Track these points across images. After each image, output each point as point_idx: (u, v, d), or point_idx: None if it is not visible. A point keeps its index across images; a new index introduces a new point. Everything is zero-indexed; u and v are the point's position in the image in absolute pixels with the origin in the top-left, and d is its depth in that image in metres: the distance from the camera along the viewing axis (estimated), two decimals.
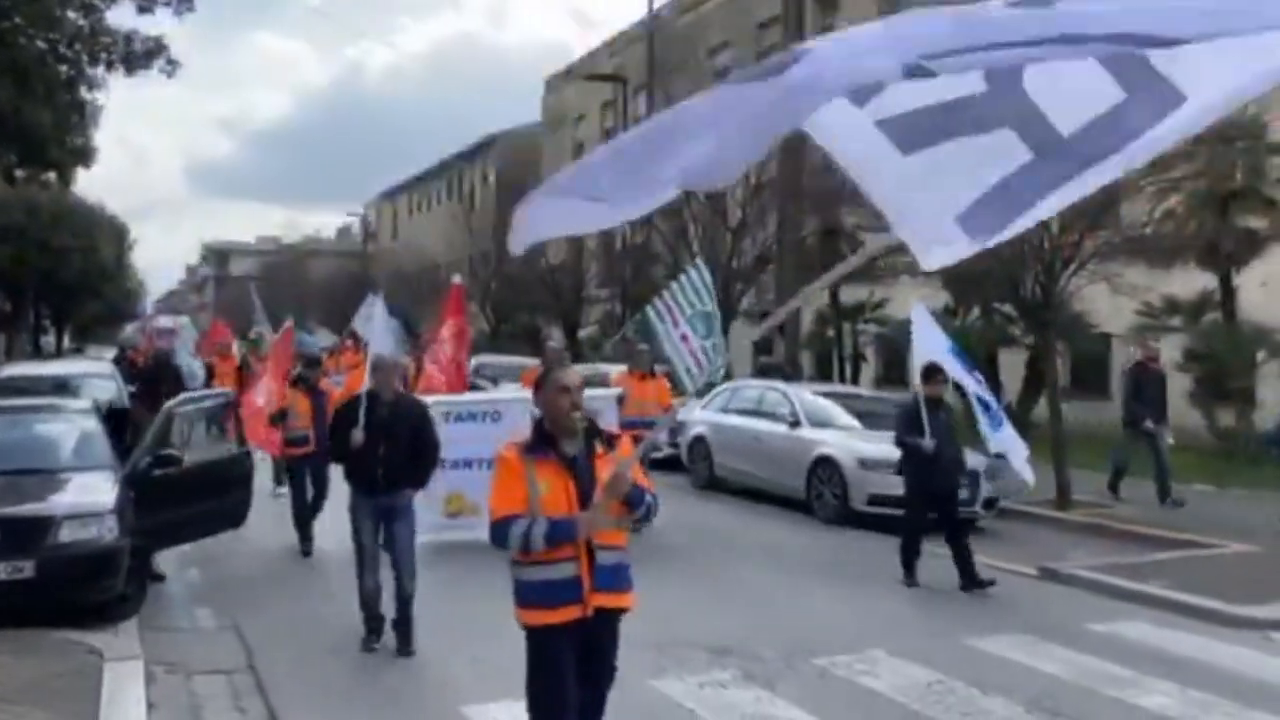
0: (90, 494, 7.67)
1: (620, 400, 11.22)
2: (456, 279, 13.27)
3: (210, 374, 21.44)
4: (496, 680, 6.37)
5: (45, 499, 7.67)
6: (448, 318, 12.38)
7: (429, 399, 10.17)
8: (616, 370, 15.43)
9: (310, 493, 10.39)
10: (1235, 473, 14.56)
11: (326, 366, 15.16)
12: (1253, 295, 16.55)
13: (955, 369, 10.04)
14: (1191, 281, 16.93)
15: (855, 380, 22.39)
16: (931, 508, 9.35)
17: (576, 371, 4.52)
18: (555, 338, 31.84)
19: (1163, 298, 17.04)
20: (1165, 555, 10.26)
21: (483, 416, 10.54)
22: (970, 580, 8.96)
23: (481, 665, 6.69)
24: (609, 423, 10.80)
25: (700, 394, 14.39)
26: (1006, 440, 9.97)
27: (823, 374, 23.41)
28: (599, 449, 4.27)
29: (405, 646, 6.94)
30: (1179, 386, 16.35)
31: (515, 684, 6.25)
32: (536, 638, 4.23)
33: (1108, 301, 16.15)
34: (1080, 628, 7.80)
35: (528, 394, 11.36)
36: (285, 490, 11.61)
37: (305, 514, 10.27)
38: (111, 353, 32.76)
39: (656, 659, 6.72)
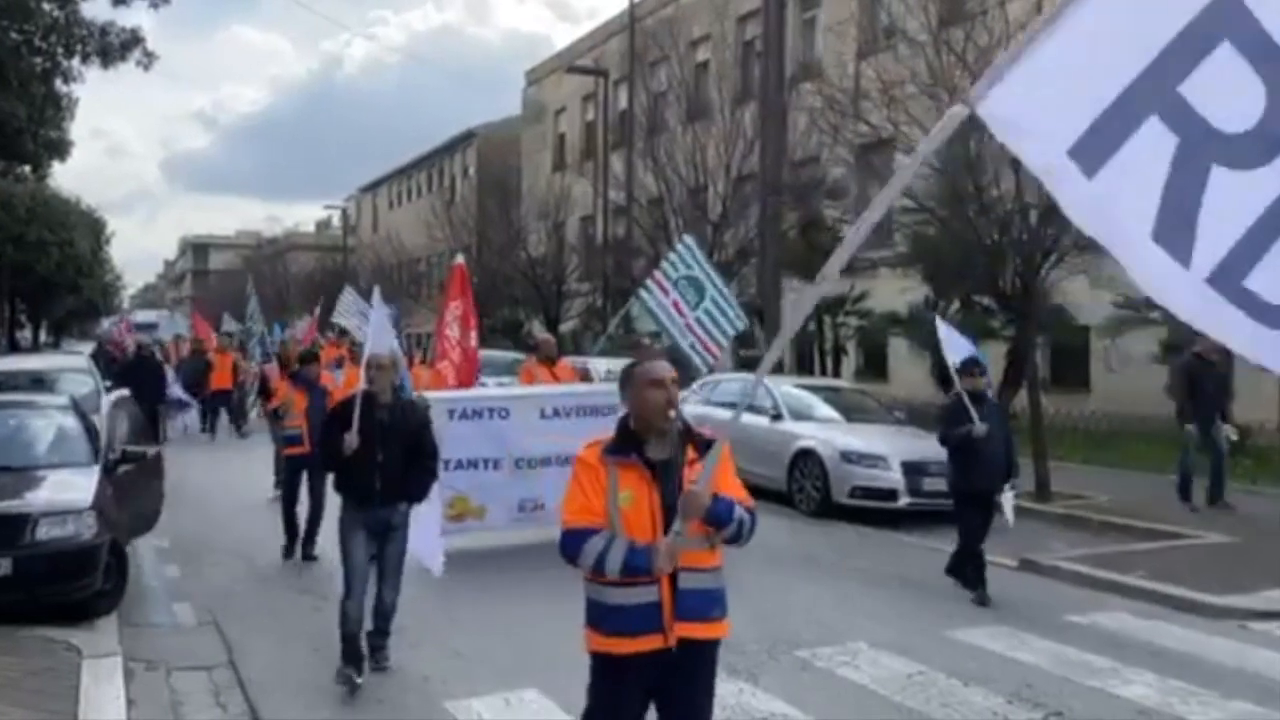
0: (68, 491, 7.61)
1: None
2: (460, 259, 12.42)
3: (208, 370, 21.32)
4: (479, 675, 6.37)
5: (22, 496, 7.60)
6: (451, 300, 11.51)
7: (431, 395, 9.72)
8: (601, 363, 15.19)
9: (306, 502, 9.70)
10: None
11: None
12: None
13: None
14: None
15: (836, 373, 22.44)
16: (979, 508, 8.60)
17: (668, 364, 3.80)
18: (538, 329, 31.80)
19: (1141, 290, 17.13)
20: (1144, 546, 10.34)
21: (489, 414, 9.92)
22: (979, 584, 8.43)
23: (464, 660, 6.68)
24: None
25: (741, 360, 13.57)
26: None
27: (804, 367, 23.45)
28: (690, 454, 3.66)
29: (381, 661, 6.47)
30: (1159, 378, 16.45)
31: (497, 678, 6.27)
32: (603, 666, 3.70)
33: (1087, 294, 16.23)
34: (1060, 619, 7.85)
35: (539, 390, 11.00)
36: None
37: (293, 516, 9.77)
38: (89, 347, 32.57)
39: None
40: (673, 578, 3.56)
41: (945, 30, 14.30)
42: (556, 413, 10.01)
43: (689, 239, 12.85)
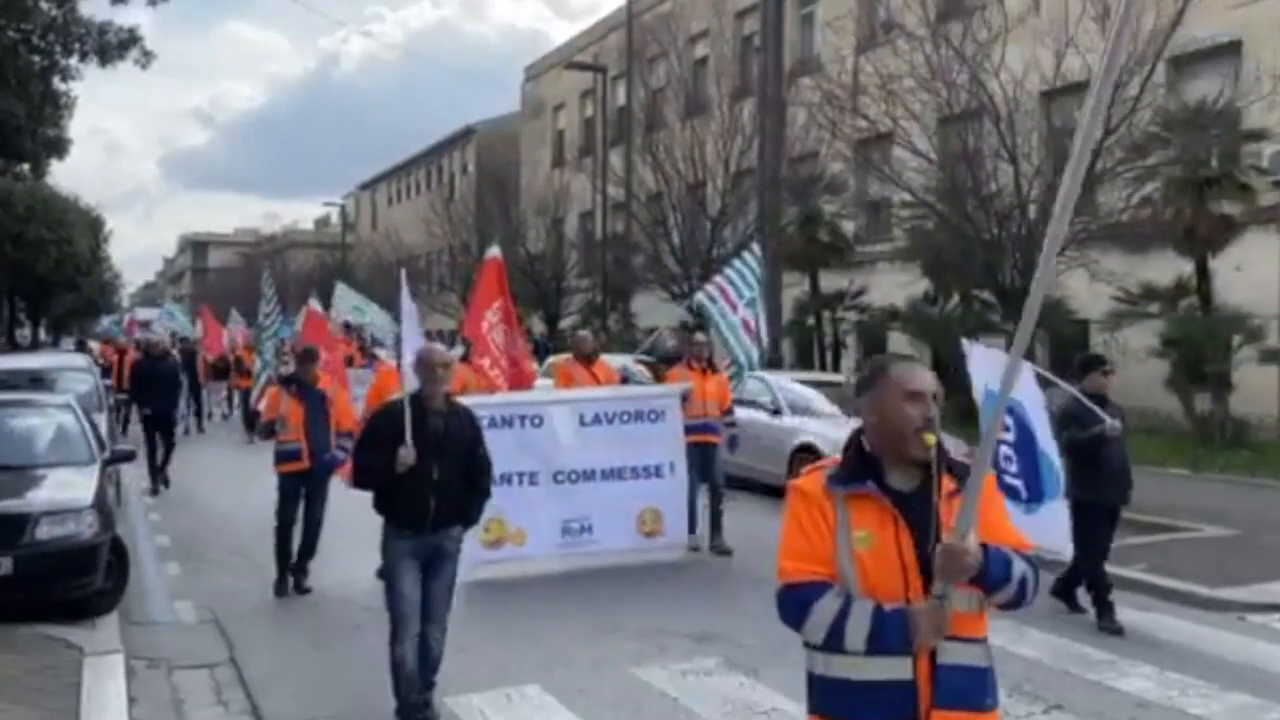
0: (69, 490, 7.62)
1: (684, 398, 9.53)
2: (495, 251, 10.98)
3: (227, 370, 21.21)
4: (480, 671, 6.38)
5: (23, 495, 7.60)
6: (491, 301, 10.06)
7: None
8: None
9: (300, 523, 8.53)
10: (1211, 457, 14.69)
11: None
12: (1229, 280, 16.66)
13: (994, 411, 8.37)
14: (1168, 267, 17.04)
15: (836, 368, 22.46)
16: (1107, 523, 7.74)
17: (929, 372, 2.84)
18: (536, 327, 31.83)
19: (1140, 283, 17.15)
20: (1142, 539, 10.34)
21: (521, 421, 8.80)
22: (1107, 611, 7.54)
23: (465, 656, 6.68)
24: (674, 425, 9.32)
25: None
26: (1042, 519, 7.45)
27: (803, 362, 23.47)
28: (947, 484, 2.70)
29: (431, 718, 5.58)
30: (1156, 372, 16.46)
31: (499, 674, 6.28)
32: None
33: (1086, 287, 16.24)
34: (1059, 612, 7.85)
35: (577, 393, 9.80)
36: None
37: (288, 544, 8.52)
38: (90, 346, 32.54)
39: (639, 647, 6.73)
40: (932, 650, 2.65)
41: (943, 25, 14.31)
42: (599, 419, 9.03)
43: (756, 249, 11.73)
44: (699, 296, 11.76)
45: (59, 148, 26.34)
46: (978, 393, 7.74)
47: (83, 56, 22.14)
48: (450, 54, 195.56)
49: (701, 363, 10.32)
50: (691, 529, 9.71)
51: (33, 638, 6.73)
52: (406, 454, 5.36)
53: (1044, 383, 7.71)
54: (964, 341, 8.07)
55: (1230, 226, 15.91)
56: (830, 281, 22.80)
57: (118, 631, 7.14)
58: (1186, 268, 16.88)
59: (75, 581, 7.22)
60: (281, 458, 8.58)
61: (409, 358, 6.16)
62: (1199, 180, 15.53)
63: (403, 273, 7.66)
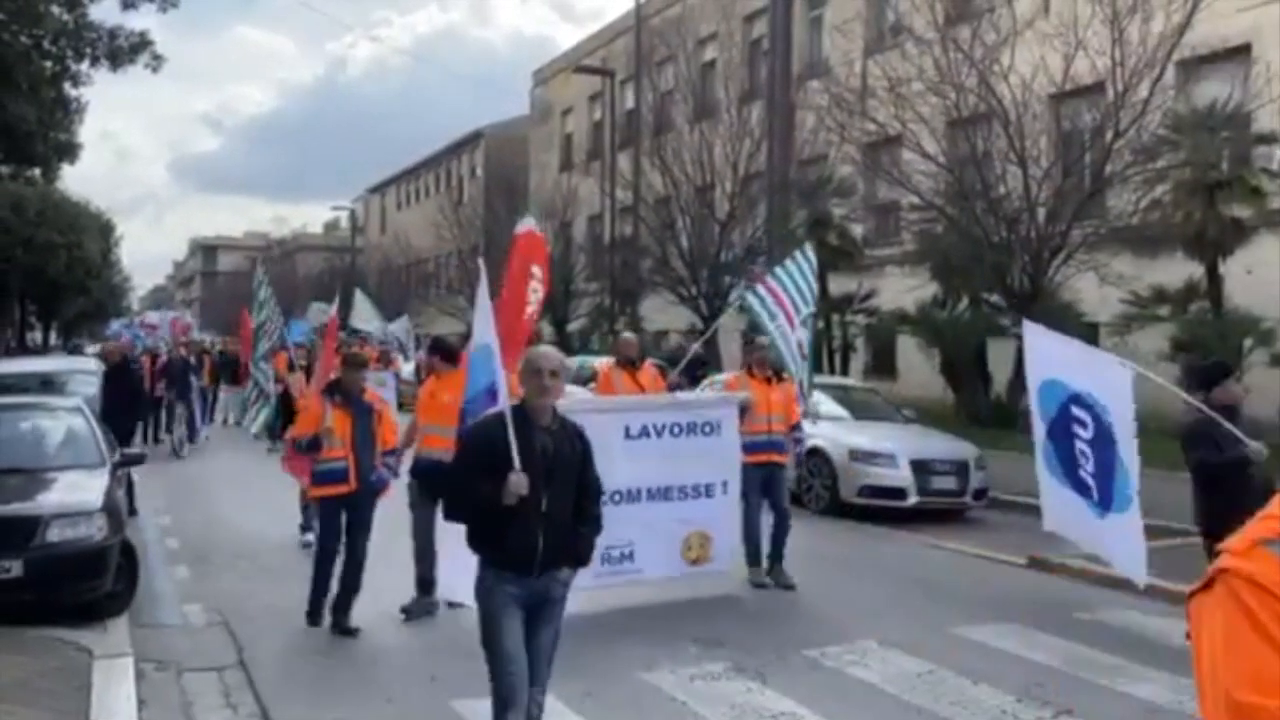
0: (78, 493, 7.64)
1: (743, 410, 8.48)
2: (530, 223, 9.24)
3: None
4: (487, 675, 6.38)
5: (33, 498, 7.63)
6: (526, 277, 8.38)
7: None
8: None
9: (342, 554, 7.42)
10: None
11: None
12: (1239, 283, 16.60)
13: (1057, 405, 7.32)
14: (1178, 270, 16.98)
15: (845, 371, 22.43)
16: None
17: None
18: (545, 330, 31.82)
19: (1149, 287, 17.10)
20: (1153, 544, 10.23)
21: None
22: None
23: (472, 660, 6.65)
24: (731, 439, 8.28)
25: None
26: (1112, 531, 7.08)
27: (812, 365, 23.42)
28: None
29: None
30: (1166, 375, 16.39)
31: None
32: None
33: (1095, 291, 16.19)
34: (1069, 616, 7.83)
35: (621, 402, 8.55)
36: (311, 539, 9.14)
37: (328, 575, 7.46)
38: (95, 348, 32.58)
39: (647, 651, 6.73)
40: None
41: (952, 28, 14.29)
42: (647, 431, 7.96)
43: (809, 253, 10.59)
44: (748, 297, 10.49)
45: (70, 152, 26.46)
46: (1032, 381, 7.32)
47: (94, 61, 22.25)
48: (457, 58, 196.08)
49: (764, 370, 9.05)
50: (755, 560, 8.72)
51: (43, 640, 6.75)
52: (519, 482, 4.34)
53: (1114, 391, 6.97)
54: (1025, 322, 7.87)
55: (1240, 229, 15.85)
56: (839, 285, 22.77)
57: (127, 634, 7.16)
58: (1197, 271, 16.82)
59: (85, 584, 7.23)
60: (323, 479, 7.40)
61: (490, 343, 5.49)
62: (1209, 183, 15.47)
63: (480, 263, 6.32)
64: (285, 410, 11.51)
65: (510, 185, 36.96)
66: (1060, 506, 7.81)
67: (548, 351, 4.78)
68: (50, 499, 7.60)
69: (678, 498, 8.11)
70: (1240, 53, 17.66)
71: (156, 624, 7.71)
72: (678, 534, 8.11)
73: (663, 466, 8.01)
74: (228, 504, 12.99)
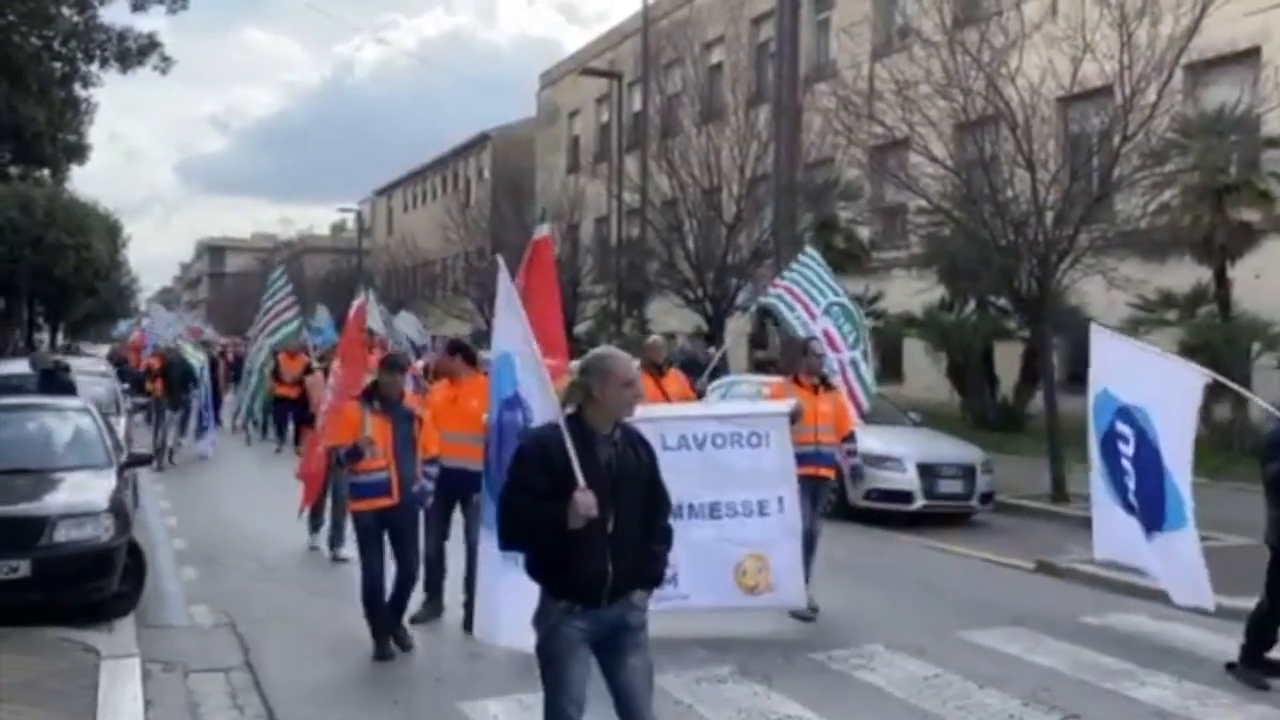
0: (85, 493, 7.66)
1: (793, 418, 7.75)
2: (546, 229, 9.00)
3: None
4: (494, 677, 6.38)
5: (40, 499, 7.65)
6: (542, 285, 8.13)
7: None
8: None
9: (393, 570, 6.94)
10: (1230, 465, 14.57)
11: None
12: (1247, 288, 16.56)
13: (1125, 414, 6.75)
14: (1186, 274, 16.95)
15: None
16: None
17: None
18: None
19: (1158, 291, 17.07)
20: None
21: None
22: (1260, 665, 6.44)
23: (479, 661, 6.68)
24: (782, 451, 7.46)
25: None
26: (1163, 553, 6.61)
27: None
28: None
29: None
30: None
31: (511, 680, 6.28)
32: None
33: (1103, 295, 16.16)
34: (1077, 621, 7.82)
35: (654, 412, 7.21)
36: (347, 553, 8.89)
37: (381, 603, 6.86)
38: (104, 350, 32.63)
39: (654, 654, 6.71)
40: None
41: (960, 31, 14.26)
42: (686, 442, 7.25)
43: (815, 254, 10.38)
44: (767, 299, 10.19)
45: (79, 153, 26.54)
46: (1091, 392, 6.85)
47: (103, 63, 22.32)
48: (464, 61, 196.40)
49: (813, 377, 8.38)
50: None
51: (50, 640, 6.77)
52: (585, 502, 3.82)
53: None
54: (1092, 325, 7.13)
55: (1249, 233, 15.82)
56: (846, 288, 22.76)
57: (134, 635, 7.17)
58: (1205, 275, 16.79)
59: (92, 584, 7.25)
60: (362, 491, 6.83)
61: (511, 351, 4.99)
62: (1217, 187, 15.45)
63: (499, 261, 5.68)
64: (302, 413, 11.25)
65: (517, 187, 36.98)
66: (1112, 530, 7.17)
67: (628, 358, 4.24)
68: (57, 499, 7.61)
69: (726, 515, 7.29)
70: (1249, 56, 17.61)
71: (163, 625, 7.72)
72: (730, 557, 7.26)
73: (707, 481, 7.20)
74: (235, 505, 13.02)
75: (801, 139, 20.89)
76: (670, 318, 27.01)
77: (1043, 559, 9.75)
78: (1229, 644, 7.24)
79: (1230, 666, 6.52)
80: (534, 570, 4.10)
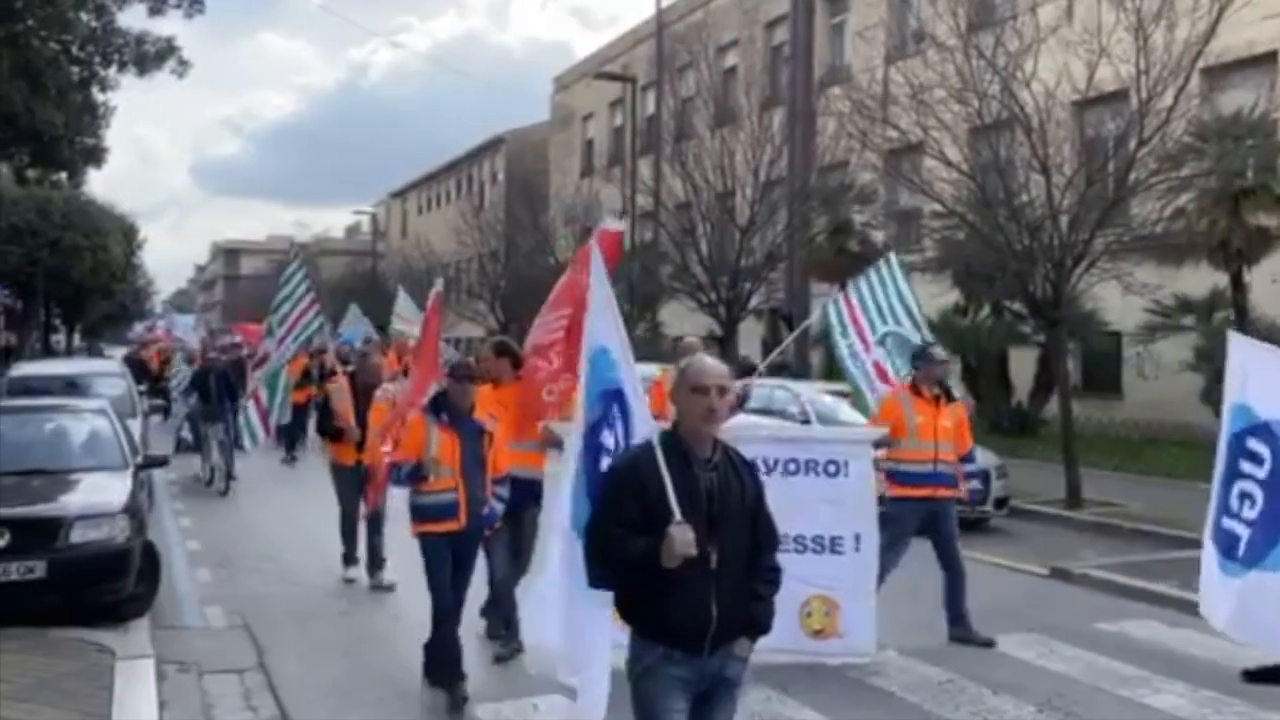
0: (102, 494, 7.71)
1: (878, 446, 7.15)
2: (611, 224, 8.64)
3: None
4: (507, 680, 6.39)
5: (57, 500, 7.71)
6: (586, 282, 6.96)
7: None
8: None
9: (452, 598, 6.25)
10: None
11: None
12: (1264, 292, 16.46)
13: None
14: (1202, 279, 16.86)
15: None
16: None
17: None
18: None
19: (1173, 296, 16.98)
20: (1176, 554, 10.21)
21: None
22: None
23: (494, 664, 6.69)
24: (863, 484, 6.84)
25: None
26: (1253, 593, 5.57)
27: (832, 372, 23.39)
28: None
29: None
30: (1191, 385, 16.28)
31: (525, 684, 6.27)
32: None
33: (1118, 300, 16.09)
34: (1091, 627, 7.78)
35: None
36: (391, 579, 8.66)
37: (453, 635, 6.18)
38: (121, 351, 32.76)
39: None
40: None
41: (975, 35, 14.23)
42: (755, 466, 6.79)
43: (894, 263, 9.22)
44: (828, 306, 9.23)
45: (96, 157, 26.68)
46: (1229, 399, 5.87)
47: (121, 67, 22.43)
48: (477, 64, 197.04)
49: (932, 388, 7.57)
50: (958, 621, 7.43)
51: (66, 641, 6.81)
52: (683, 539, 3.33)
53: None
54: (1230, 335, 6.03)
55: (1266, 238, 15.71)
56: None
57: (149, 636, 7.21)
58: (1221, 280, 16.69)
59: (108, 585, 7.29)
60: (427, 514, 6.15)
61: (609, 346, 4.21)
62: (1234, 191, 15.36)
63: (594, 245, 5.12)
64: (323, 418, 9.86)
65: (531, 191, 37.03)
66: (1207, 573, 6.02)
67: (711, 363, 3.66)
68: (74, 500, 7.66)
69: (794, 549, 6.44)
70: (1266, 60, 17.53)
71: (178, 626, 7.77)
72: (795, 595, 6.42)
73: (775, 509, 6.24)
74: (249, 507, 13.06)
75: (816, 143, 20.89)
76: (683, 321, 27.00)
77: (1057, 565, 9.71)
78: (1244, 651, 7.20)
79: (1246, 674, 6.48)
80: (626, 611, 3.58)
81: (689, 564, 3.36)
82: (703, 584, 3.43)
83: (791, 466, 6.71)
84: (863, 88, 18.22)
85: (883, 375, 8.60)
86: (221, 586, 8.94)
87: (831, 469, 6.76)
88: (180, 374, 17.93)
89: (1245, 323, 16.13)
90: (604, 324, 4.41)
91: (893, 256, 9.45)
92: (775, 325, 24.75)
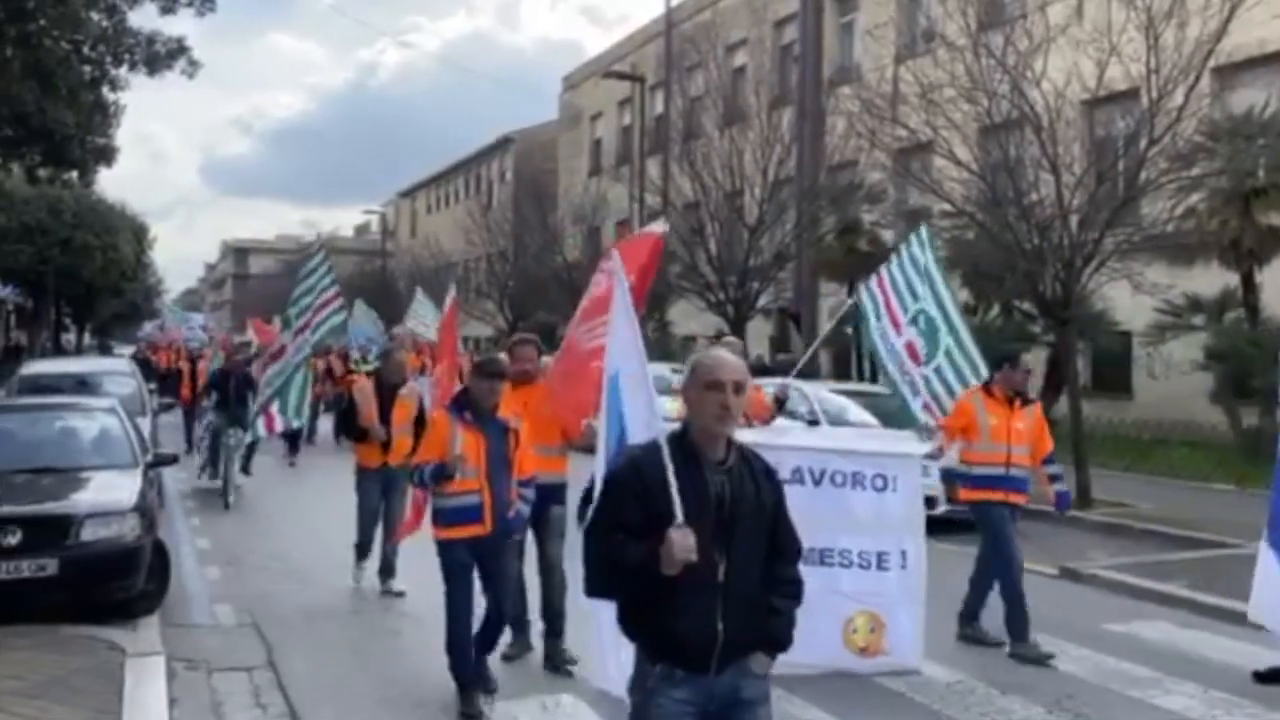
0: (112, 492, 7.74)
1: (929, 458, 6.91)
2: (659, 226, 7.61)
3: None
4: (516, 680, 6.39)
5: (68, 498, 7.75)
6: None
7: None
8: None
9: (482, 607, 5.98)
10: (1257, 472, 14.43)
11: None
12: (1275, 293, 16.40)
13: None
14: (1213, 279, 16.81)
15: (874, 378, 22.31)
16: None
17: None
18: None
19: (1184, 295, 16.93)
20: (1186, 555, 10.21)
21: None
22: None
23: (502, 664, 6.70)
24: (912, 499, 6.70)
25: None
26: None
27: (840, 372, 23.35)
28: None
29: None
30: (1201, 385, 16.23)
31: (534, 683, 6.29)
32: None
33: (1129, 299, 16.05)
34: (1100, 628, 7.76)
35: (759, 437, 6.30)
36: (400, 587, 8.47)
37: (466, 643, 5.92)
38: (129, 350, 32.85)
39: None
40: None
41: (984, 34, 14.20)
42: (800, 476, 6.43)
43: (926, 233, 8.79)
44: (860, 293, 8.64)
45: (107, 156, 26.75)
46: None
47: (132, 66, 22.49)
48: (487, 64, 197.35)
49: (1008, 389, 7.37)
50: (972, 619, 7.30)
51: (76, 638, 6.83)
52: (682, 542, 3.07)
53: None
54: None
55: (1277, 238, 15.66)
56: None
57: (159, 633, 7.24)
58: (1232, 280, 16.65)
59: (118, 583, 7.32)
60: (449, 517, 5.88)
61: (619, 372, 4.09)
62: (1245, 191, 15.32)
63: (615, 254, 4.82)
64: (346, 420, 9.36)
65: (539, 190, 37.08)
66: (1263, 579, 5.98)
67: (727, 357, 3.37)
68: (85, 498, 7.70)
69: (839, 564, 6.43)
70: (1277, 59, 17.45)
71: (187, 623, 7.79)
72: (838, 612, 6.42)
73: (820, 522, 6.16)
74: (258, 506, 13.09)
75: (824, 142, 20.89)
76: (692, 321, 27.02)
77: (1067, 565, 9.69)
78: (1255, 652, 7.18)
79: (1256, 675, 6.48)
80: (627, 624, 3.33)
81: (694, 573, 3.10)
82: (708, 595, 3.17)
83: (838, 479, 6.51)
84: (872, 87, 18.19)
85: (914, 356, 8.32)
86: (231, 584, 8.97)
87: (879, 483, 6.59)
88: (212, 373, 15.90)
89: (1257, 323, 16.09)
90: (623, 341, 4.20)
91: (924, 229, 8.99)
92: (784, 325, 24.74)
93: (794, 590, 3.42)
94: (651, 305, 29.65)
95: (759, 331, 21.45)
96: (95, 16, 22.09)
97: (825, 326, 23.52)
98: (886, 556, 6.58)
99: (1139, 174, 12.87)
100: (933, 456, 7.53)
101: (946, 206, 15.71)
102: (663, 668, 3.21)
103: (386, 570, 8.71)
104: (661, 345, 27.17)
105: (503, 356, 6.45)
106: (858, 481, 6.54)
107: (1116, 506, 12.71)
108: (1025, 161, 13.61)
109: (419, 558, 7.83)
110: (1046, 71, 13.12)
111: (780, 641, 3.38)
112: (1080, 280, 13.22)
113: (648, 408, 3.93)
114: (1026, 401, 7.46)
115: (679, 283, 26.36)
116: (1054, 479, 7.52)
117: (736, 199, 23.33)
